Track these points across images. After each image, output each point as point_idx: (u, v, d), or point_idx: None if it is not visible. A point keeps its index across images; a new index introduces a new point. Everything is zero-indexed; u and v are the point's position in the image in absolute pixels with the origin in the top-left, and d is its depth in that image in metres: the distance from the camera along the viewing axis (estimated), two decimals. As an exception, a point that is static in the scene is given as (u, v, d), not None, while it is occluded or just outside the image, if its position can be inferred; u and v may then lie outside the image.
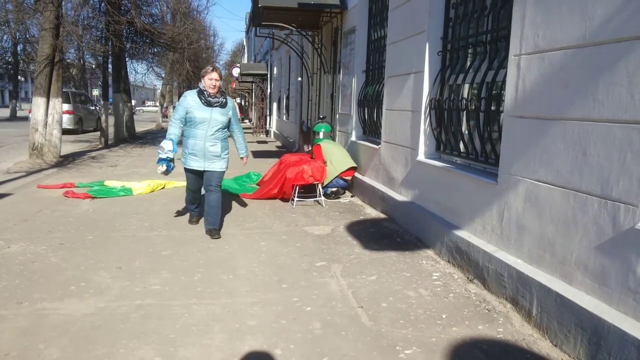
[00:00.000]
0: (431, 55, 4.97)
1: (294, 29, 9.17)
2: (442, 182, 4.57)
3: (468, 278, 3.86)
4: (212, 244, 4.91)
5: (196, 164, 5.09)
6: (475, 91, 4.22)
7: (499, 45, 4.00)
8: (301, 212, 6.39)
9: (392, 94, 5.99)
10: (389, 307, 3.39)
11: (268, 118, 22.95)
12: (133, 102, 31.82)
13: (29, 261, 4.23)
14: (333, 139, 8.50)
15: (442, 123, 4.86)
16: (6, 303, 3.36)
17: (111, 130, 16.30)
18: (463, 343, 2.91)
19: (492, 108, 3.93)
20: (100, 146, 15.12)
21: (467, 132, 4.42)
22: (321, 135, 8.29)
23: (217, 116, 5.01)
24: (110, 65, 16.77)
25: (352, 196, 7.40)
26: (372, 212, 6.32)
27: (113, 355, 2.71)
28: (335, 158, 7.25)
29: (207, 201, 5.19)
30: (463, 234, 4.03)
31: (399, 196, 5.64)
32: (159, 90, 39.24)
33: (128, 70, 18.76)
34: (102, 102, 16.94)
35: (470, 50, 4.48)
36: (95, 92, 58.49)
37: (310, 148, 10.24)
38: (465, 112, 4.42)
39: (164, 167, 5.08)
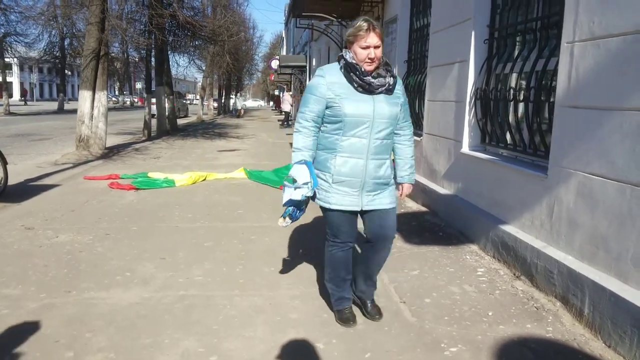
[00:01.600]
0: (477, 43, 4.82)
1: (335, 19, 9.08)
2: (488, 175, 4.43)
3: (515, 274, 3.73)
4: (254, 235, 4.92)
5: (349, 201, 2.86)
6: (524, 81, 4.07)
7: (549, 33, 3.83)
8: (341, 204, 6.34)
9: (435, 84, 5.85)
10: (433, 303, 3.32)
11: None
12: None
13: (77, 251, 4.35)
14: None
15: (488, 114, 4.71)
16: (55, 291, 3.46)
17: (154, 123, 16.66)
18: (510, 341, 2.82)
19: (542, 98, 3.77)
20: (143, 138, 15.48)
21: (514, 123, 4.26)
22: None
23: (384, 109, 2.78)
24: (153, 59, 17.12)
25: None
26: (412, 205, 6.22)
27: (158, 345, 2.74)
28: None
29: (367, 257, 3.10)
30: (510, 228, 3.90)
31: (442, 189, 5.52)
32: (199, 83, 39.88)
33: (170, 63, 19.13)
34: (145, 95, 17.30)
35: (518, 38, 4.31)
36: (139, 85, 60.01)
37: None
38: (512, 102, 4.26)
39: (287, 221, 3.05)
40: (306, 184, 2.71)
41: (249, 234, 4.99)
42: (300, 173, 2.72)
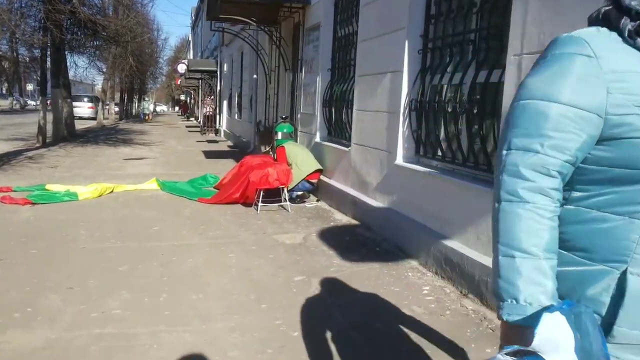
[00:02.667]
0: (411, 53, 4.71)
1: (253, 23, 8.72)
2: (426, 188, 4.31)
3: (462, 292, 3.60)
4: (175, 256, 4.44)
5: None
6: (464, 92, 3.99)
7: (489, 45, 3.77)
8: (266, 218, 5.99)
9: (365, 93, 5.69)
10: (385, 329, 3.08)
11: (218, 116, 22.25)
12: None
13: (-39, 282, 3.65)
14: (295, 140, 8.14)
15: (424, 125, 4.61)
16: None
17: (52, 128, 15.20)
18: (473, 370, 2.64)
19: (485, 110, 3.69)
20: (37, 145, 14.04)
21: (454, 135, 4.17)
22: (280, 136, 7.91)
23: None
24: (49, 59, 15.66)
25: (318, 200, 7.06)
26: (342, 218, 6.00)
27: (72, 405, 2.25)
28: (300, 160, 6.90)
29: None
30: (453, 244, 3.78)
31: (374, 202, 5.35)
32: (98, 86, 37.51)
33: (68, 64, 17.67)
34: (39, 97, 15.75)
35: (455, 49, 4.23)
36: (30, 87, 55.31)
37: (267, 149, 9.85)
38: (451, 114, 4.16)
39: None
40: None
41: (169, 254, 4.49)
42: (554, 336, 0.85)
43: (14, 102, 49.04)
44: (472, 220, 3.62)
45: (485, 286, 3.34)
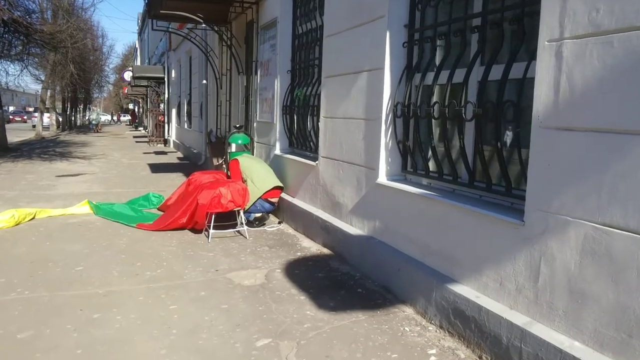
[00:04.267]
0: (393, 47, 3.83)
1: (200, 21, 7.69)
2: (421, 215, 3.42)
3: (481, 358, 2.72)
4: (98, 312, 3.37)
5: None
6: (459, 94, 3.13)
7: (507, 29, 2.93)
8: (220, 248, 4.98)
9: (334, 97, 4.79)
10: None
11: (166, 126, 20.89)
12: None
13: None
14: (251, 152, 7.15)
15: (413, 135, 3.74)
16: None
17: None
18: None
19: (504, 116, 2.84)
20: (-42, 161, 12.48)
21: (459, 147, 3.30)
22: (233, 148, 6.91)
23: None
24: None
25: (280, 222, 6.09)
26: (310, 246, 5.05)
27: None
28: (257, 175, 5.91)
29: None
30: (465, 290, 2.90)
31: (350, 228, 4.43)
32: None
33: (-3, 71, 16.03)
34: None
35: (455, 39, 3.37)
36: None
37: (220, 162, 8.80)
38: (453, 121, 3.30)
39: None
40: None
41: (91, 309, 3.42)
42: None
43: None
44: (491, 259, 2.75)
45: (518, 354, 2.46)
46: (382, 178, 3.95)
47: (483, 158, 2.98)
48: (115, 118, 72.42)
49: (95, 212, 6.46)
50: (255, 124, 7.47)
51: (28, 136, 24.93)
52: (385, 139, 3.93)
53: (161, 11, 7.35)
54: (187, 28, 10.58)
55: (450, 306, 2.96)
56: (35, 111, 30.84)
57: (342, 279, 4.04)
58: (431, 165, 3.61)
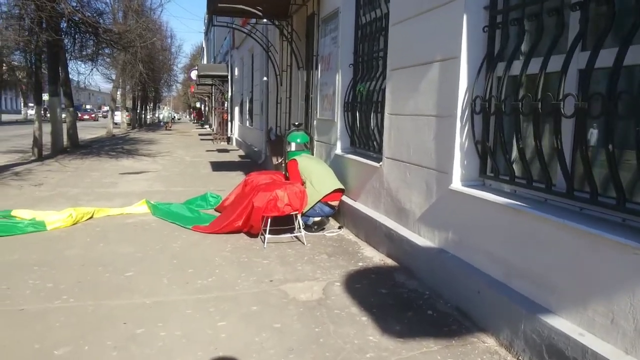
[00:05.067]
0: (471, 33, 3.33)
1: (259, 14, 7.41)
2: (507, 228, 2.91)
3: (588, 413, 2.20)
4: (141, 328, 3.10)
5: None
6: (565, 85, 2.59)
7: (616, 6, 2.37)
8: (276, 254, 4.65)
9: (400, 92, 4.32)
10: None
11: (230, 124, 21.03)
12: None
13: None
14: (311, 151, 6.79)
15: (494, 134, 3.22)
16: None
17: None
18: None
19: (613, 111, 2.29)
20: (32, 158, 12.92)
21: (554, 149, 2.76)
22: (293, 147, 6.58)
23: None
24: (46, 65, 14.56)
25: (340, 227, 5.68)
26: (373, 255, 4.62)
27: None
28: (317, 177, 5.53)
29: None
30: (563, 325, 2.38)
31: (418, 237, 3.96)
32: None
33: (70, 71, 16.61)
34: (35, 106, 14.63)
35: (549, 20, 2.83)
36: (46, 97, 55.23)
37: (280, 161, 8.52)
38: (549, 116, 2.76)
39: None
40: None
41: (136, 322, 3.17)
42: None
43: (27, 112, 48.61)
44: (599, 289, 2.22)
45: (640, 415, 1.94)
46: (457, 183, 3.46)
47: (587, 162, 2.43)
48: (186, 116, 75.29)
49: (152, 212, 6.33)
50: (315, 121, 7.11)
51: (99, 133, 25.95)
52: (460, 139, 3.43)
53: (219, 5, 7.12)
54: (249, 24, 10.39)
55: (544, 342, 2.44)
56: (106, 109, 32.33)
57: (409, 296, 3.58)
58: (516, 169, 3.09)
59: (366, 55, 5.63)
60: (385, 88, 4.73)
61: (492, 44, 3.28)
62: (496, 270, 2.98)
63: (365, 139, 5.57)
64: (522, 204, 2.83)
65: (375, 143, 5.30)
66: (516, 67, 3.01)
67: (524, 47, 3.03)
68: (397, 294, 3.63)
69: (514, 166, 3.09)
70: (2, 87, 46.93)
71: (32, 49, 12.93)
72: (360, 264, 4.38)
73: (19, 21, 11.92)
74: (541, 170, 2.80)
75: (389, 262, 4.37)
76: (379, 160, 4.87)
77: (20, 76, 43.51)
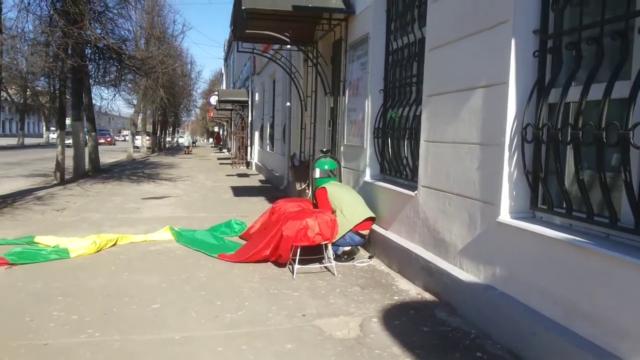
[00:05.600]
0: (520, 57, 3.17)
1: (286, 40, 7.36)
2: (565, 265, 2.70)
3: None
4: (172, 366, 2.93)
5: None
6: (634, 113, 2.41)
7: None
8: (306, 286, 4.46)
9: (439, 119, 4.16)
10: None
11: (249, 148, 21.04)
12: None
13: None
14: (338, 177, 6.63)
15: (546, 163, 3.03)
16: None
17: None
18: None
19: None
20: (55, 182, 12.96)
21: (614, 182, 2.57)
22: (318, 174, 6.45)
23: None
24: (70, 90, 14.76)
25: (370, 257, 5.48)
26: (409, 288, 4.40)
27: None
28: (347, 206, 5.36)
29: None
30: (641, 377, 2.15)
31: (460, 272, 3.74)
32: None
33: (93, 96, 16.83)
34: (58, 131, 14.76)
35: (610, 42, 2.66)
36: (68, 121, 56.34)
37: (304, 186, 8.38)
38: (614, 146, 2.57)
39: None
40: None
41: (163, 358, 2.99)
42: None
43: (49, 136, 49.44)
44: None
45: None
46: (505, 215, 3.26)
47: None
48: (203, 140, 76.20)
49: (176, 239, 6.20)
50: (342, 147, 6.97)
51: (120, 157, 26.18)
52: (509, 168, 3.24)
53: (246, 31, 7.09)
54: (273, 49, 10.40)
55: (618, 395, 2.21)
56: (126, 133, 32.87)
57: (453, 336, 3.35)
58: (573, 202, 2.89)
59: (398, 81, 5.50)
60: (420, 114, 4.59)
61: (543, 69, 3.12)
62: (554, 310, 2.76)
63: (397, 166, 5.40)
64: (582, 239, 2.62)
65: (407, 170, 5.13)
66: (572, 94, 2.84)
67: (580, 73, 2.86)
68: (440, 333, 3.41)
69: (570, 199, 2.89)
70: (26, 112, 47.99)
71: (57, 75, 13.09)
72: (396, 297, 4.17)
73: (46, 47, 12.07)
74: (605, 204, 2.60)
75: (427, 296, 4.15)
76: (412, 188, 4.70)
77: (43, 101, 44.56)
